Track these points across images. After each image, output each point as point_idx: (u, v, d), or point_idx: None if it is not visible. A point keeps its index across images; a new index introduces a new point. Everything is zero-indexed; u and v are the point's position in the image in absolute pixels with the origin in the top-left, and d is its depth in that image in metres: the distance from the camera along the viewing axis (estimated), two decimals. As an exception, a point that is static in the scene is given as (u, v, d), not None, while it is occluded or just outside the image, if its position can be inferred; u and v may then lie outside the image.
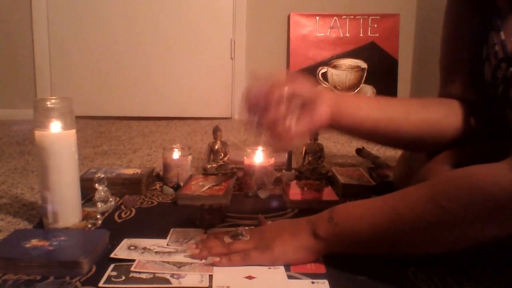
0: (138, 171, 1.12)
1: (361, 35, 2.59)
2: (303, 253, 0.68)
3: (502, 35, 0.73)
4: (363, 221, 0.65)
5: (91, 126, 2.21)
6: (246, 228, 0.75)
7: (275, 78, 0.68)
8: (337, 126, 0.74)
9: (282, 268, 0.67)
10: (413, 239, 0.62)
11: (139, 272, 0.65)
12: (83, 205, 0.90)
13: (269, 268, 0.67)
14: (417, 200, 0.60)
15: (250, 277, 0.64)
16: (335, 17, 2.58)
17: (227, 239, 0.72)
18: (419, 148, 0.85)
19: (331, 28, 2.59)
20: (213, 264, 0.67)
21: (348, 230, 0.66)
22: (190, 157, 1.16)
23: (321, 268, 0.67)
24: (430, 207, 0.58)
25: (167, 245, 0.75)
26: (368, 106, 0.77)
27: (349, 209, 0.69)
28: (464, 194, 0.56)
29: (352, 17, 2.58)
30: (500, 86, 0.73)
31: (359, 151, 1.50)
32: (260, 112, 0.67)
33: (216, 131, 1.23)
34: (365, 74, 2.60)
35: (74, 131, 0.84)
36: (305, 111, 0.69)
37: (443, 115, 0.80)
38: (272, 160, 1.13)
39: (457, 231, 0.58)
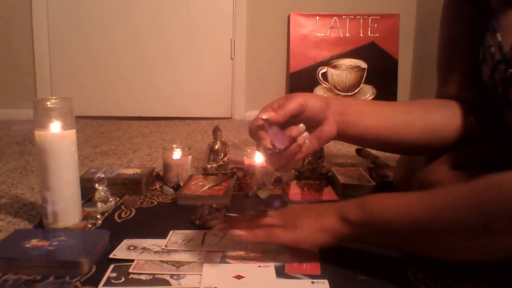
0: (138, 171, 1.12)
1: (361, 35, 2.59)
2: (327, 236, 0.67)
3: (499, 37, 0.73)
4: (398, 211, 0.62)
5: (91, 126, 2.21)
6: (272, 210, 0.73)
7: (287, 111, 0.64)
8: (342, 137, 0.75)
9: (271, 267, 0.67)
10: (449, 240, 0.59)
11: (139, 273, 0.65)
12: (83, 205, 0.90)
13: (259, 266, 0.67)
14: (457, 199, 0.57)
15: (238, 277, 0.64)
16: (335, 17, 2.58)
17: (253, 213, 0.71)
18: (423, 152, 0.85)
19: (331, 28, 2.59)
20: (237, 237, 0.67)
21: (380, 218, 0.64)
22: (190, 157, 1.16)
23: (317, 270, 0.67)
24: (471, 208, 0.55)
25: (165, 246, 0.74)
26: (372, 115, 0.77)
27: (384, 198, 0.67)
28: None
29: (352, 17, 2.58)
30: (499, 87, 0.73)
31: (359, 151, 1.50)
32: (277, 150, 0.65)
33: (216, 131, 1.23)
34: (365, 74, 2.60)
35: (74, 131, 0.84)
36: (315, 133, 0.70)
37: (446, 118, 0.80)
38: (272, 160, 1.13)
39: (498, 239, 0.54)
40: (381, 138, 0.77)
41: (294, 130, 0.64)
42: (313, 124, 0.70)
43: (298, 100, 0.66)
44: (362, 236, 0.66)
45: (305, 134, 0.65)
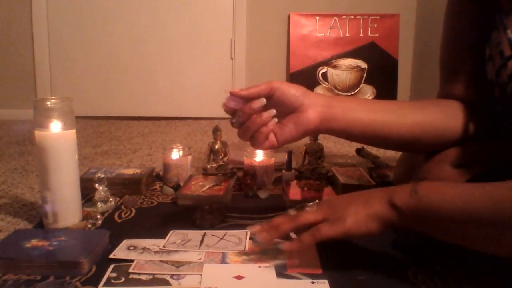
0: (138, 171, 1.12)
1: (361, 35, 2.59)
2: (376, 223, 0.63)
3: (509, 33, 0.72)
4: (453, 202, 0.58)
5: (91, 126, 2.21)
6: (313, 203, 0.70)
7: (254, 89, 0.70)
8: (328, 129, 0.74)
9: (271, 267, 0.67)
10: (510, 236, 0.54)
11: (139, 273, 0.65)
12: (83, 205, 0.90)
13: (259, 266, 0.67)
14: None
15: (239, 277, 0.64)
16: (335, 17, 2.58)
17: (293, 212, 0.70)
18: (415, 149, 0.84)
19: (331, 28, 2.59)
20: (284, 249, 0.65)
21: (433, 207, 0.59)
22: (190, 157, 1.16)
23: (317, 269, 0.67)
24: None
25: (164, 246, 0.74)
26: (361, 109, 0.76)
27: (439, 187, 0.62)
28: None
29: (352, 17, 2.58)
30: (509, 85, 0.72)
31: (359, 151, 1.50)
32: (241, 121, 0.71)
33: (216, 131, 1.23)
34: (365, 74, 2.60)
35: (74, 131, 0.84)
36: (291, 118, 0.71)
37: (440, 116, 0.79)
38: (272, 160, 1.13)
39: None
40: (368, 131, 0.76)
41: (254, 102, 0.69)
42: (287, 110, 0.72)
43: (270, 83, 0.71)
44: (410, 224, 0.62)
45: (272, 111, 0.70)
